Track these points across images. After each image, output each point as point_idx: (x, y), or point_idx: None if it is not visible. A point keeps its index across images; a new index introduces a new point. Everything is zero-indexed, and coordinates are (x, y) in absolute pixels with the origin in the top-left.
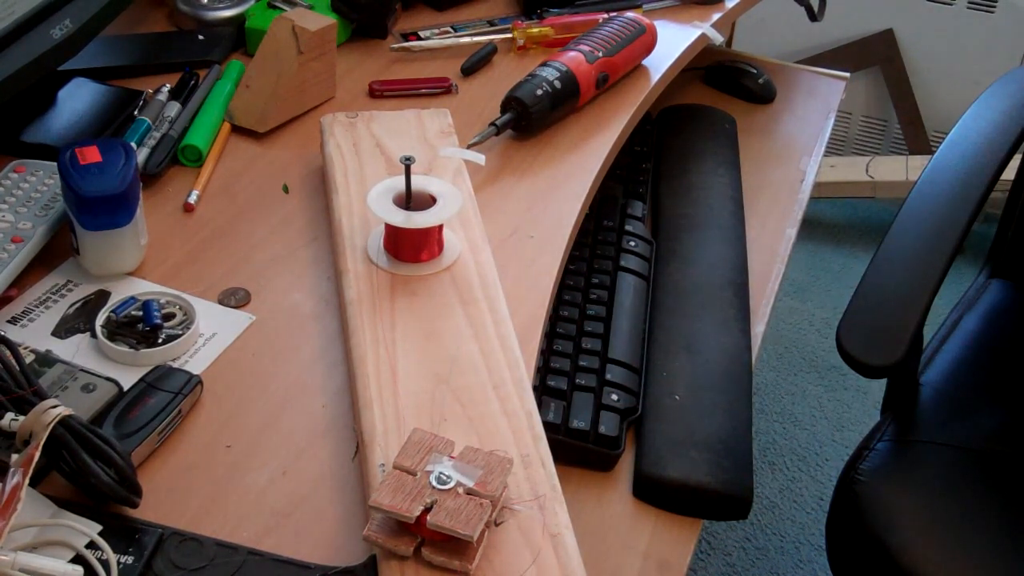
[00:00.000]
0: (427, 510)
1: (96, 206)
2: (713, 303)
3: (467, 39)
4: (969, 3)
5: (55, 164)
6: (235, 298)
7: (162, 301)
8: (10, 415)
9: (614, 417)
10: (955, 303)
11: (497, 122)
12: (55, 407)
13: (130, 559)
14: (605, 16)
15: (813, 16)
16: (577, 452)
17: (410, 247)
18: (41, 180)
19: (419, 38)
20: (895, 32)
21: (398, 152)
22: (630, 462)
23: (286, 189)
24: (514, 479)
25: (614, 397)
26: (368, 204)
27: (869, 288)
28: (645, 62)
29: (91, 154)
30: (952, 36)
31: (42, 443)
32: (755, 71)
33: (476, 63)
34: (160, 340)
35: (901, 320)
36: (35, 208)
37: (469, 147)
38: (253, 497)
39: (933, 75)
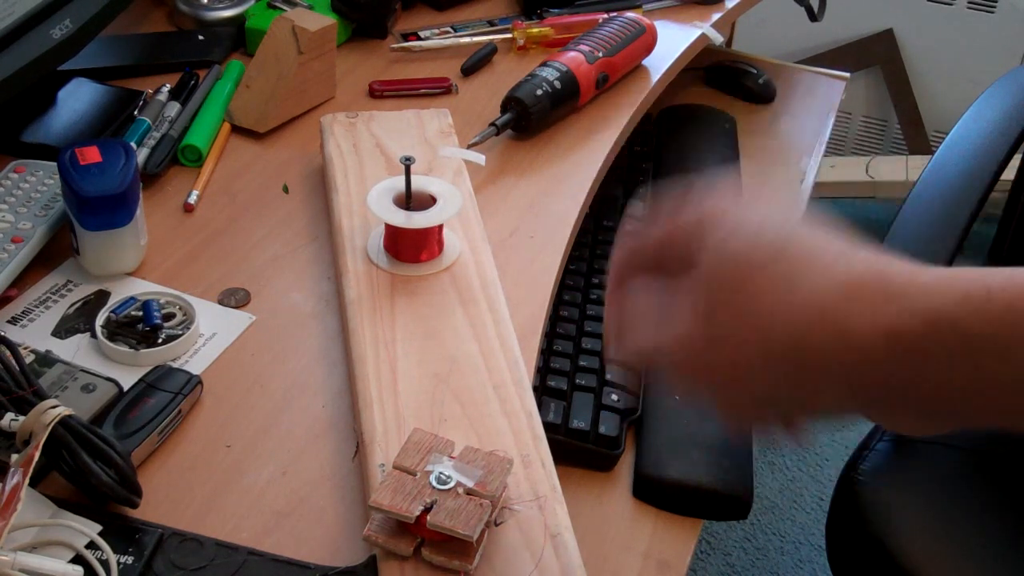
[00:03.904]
0: (427, 510)
1: (96, 206)
2: None
3: (467, 39)
4: (969, 3)
5: (55, 164)
6: (235, 298)
7: (162, 301)
8: (10, 415)
9: (614, 417)
10: None
11: (497, 122)
12: (55, 407)
13: (130, 559)
14: (605, 16)
15: (813, 16)
16: (577, 452)
17: (410, 247)
18: (41, 180)
19: (419, 38)
20: (895, 32)
21: (398, 152)
22: (630, 462)
23: (286, 189)
24: (514, 479)
25: (614, 397)
26: (368, 204)
27: None
28: (645, 62)
29: (91, 154)
30: (952, 36)
31: (42, 443)
32: (755, 71)
33: (476, 63)
34: (160, 340)
35: None
36: (35, 208)
37: (469, 147)
38: (253, 497)
39: (933, 75)
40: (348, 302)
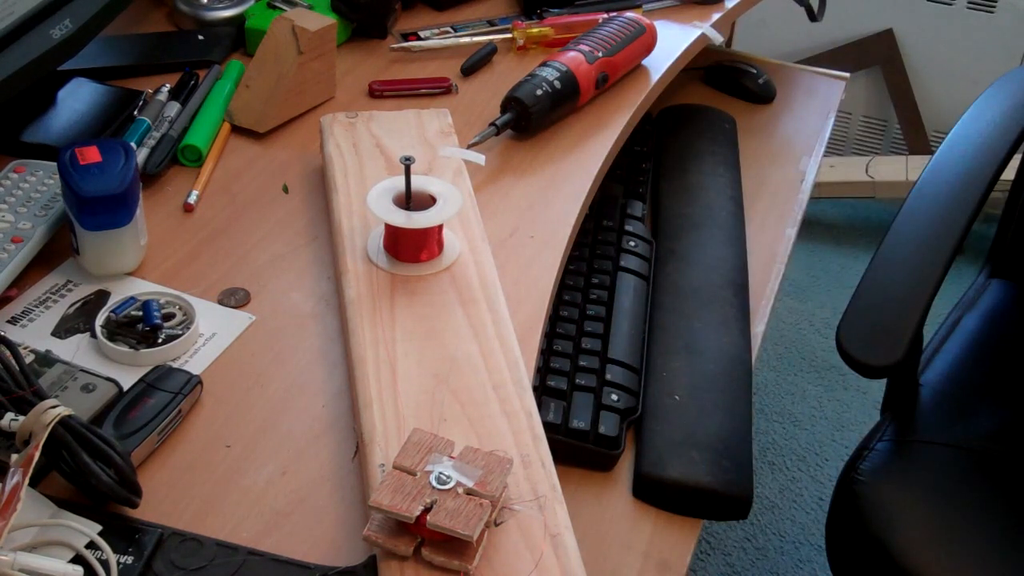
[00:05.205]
0: (427, 510)
1: (96, 206)
2: (713, 303)
3: (467, 39)
4: (969, 3)
5: (55, 164)
6: (235, 298)
7: (162, 301)
8: (10, 415)
9: (614, 417)
10: (955, 303)
11: (497, 122)
12: (55, 407)
13: (130, 559)
14: (605, 16)
15: (813, 16)
16: (577, 452)
17: (410, 247)
18: (41, 180)
19: (419, 38)
20: (895, 32)
21: (398, 152)
22: (630, 462)
23: (286, 189)
24: (514, 479)
25: (614, 397)
26: (368, 204)
27: (869, 288)
28: (645, 62)
29: (91, 154)
30: (952, 36)
31: (42, 443)
32: (755, 71)
33: (476, 63)
34: (160, 340)
35: (901, 320)
36: (35, 208)
37: (469, 147)
38: (253, 497)
39: (933, 75)
40: (348, 302)
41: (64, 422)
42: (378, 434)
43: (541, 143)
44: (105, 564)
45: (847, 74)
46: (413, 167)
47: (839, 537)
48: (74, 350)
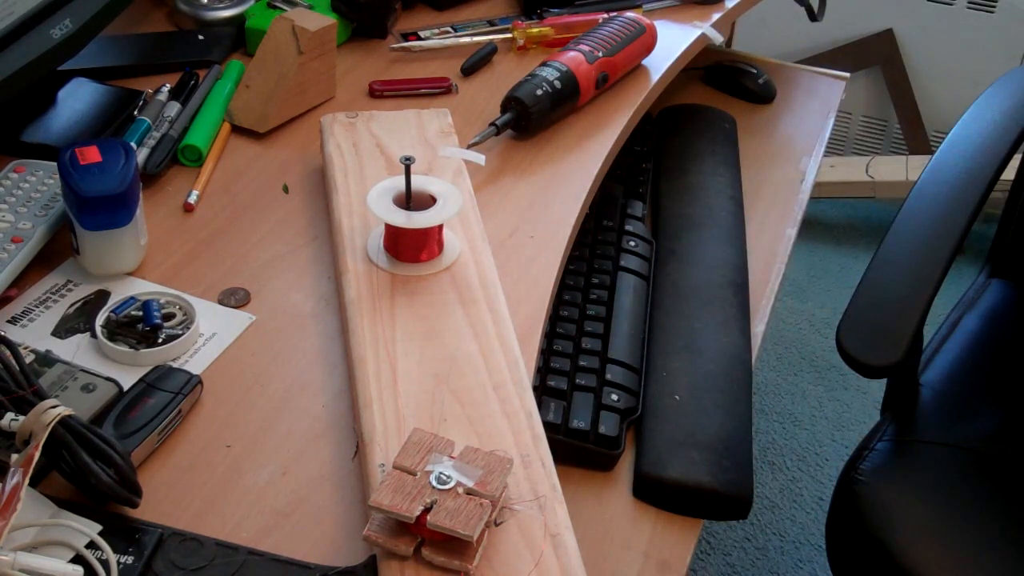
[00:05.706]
0: (427, 510)
1: (96, 206)
2: (713, 303)
3: (467, 39)
4: (969, 3)
5: (55, 164)
6: (235, 298)
7: (162, 301)
8: (10, 415)
9: (614, 417)
10: (955, 303)
11: (497, 122)
12: (55, 407)
13: (130, 559)
14: (605, 16)
15: (813, 16)
16: (577, 452)
17: (410, 247)
18: (41, 180)
19: (419, 38)
20: (895, 32)
21: (398, 152)
22: (630, 462)
23: (286, 189)
24: (514, 479)
25: (614, 397)
26: (368, 204)
27: (869, 288)
28: (645, 62)
29: (91, 154)
30: (952, 36)
31: (42, 443)
32: (755, 71)
33: (476, 63)
34: (160, 340)
35: (901, 320)
36: (35, 208)
37: (469, 147)
38: (253, 497)
39: (933, 75)
40: (348, 302)
41: (64, 422)
42: (378, 434)
43: (541, 143)
44: (105, 564)
45: (847, 74)
46: (413, 167)
47: (839, 537)
48: (74, 350)
